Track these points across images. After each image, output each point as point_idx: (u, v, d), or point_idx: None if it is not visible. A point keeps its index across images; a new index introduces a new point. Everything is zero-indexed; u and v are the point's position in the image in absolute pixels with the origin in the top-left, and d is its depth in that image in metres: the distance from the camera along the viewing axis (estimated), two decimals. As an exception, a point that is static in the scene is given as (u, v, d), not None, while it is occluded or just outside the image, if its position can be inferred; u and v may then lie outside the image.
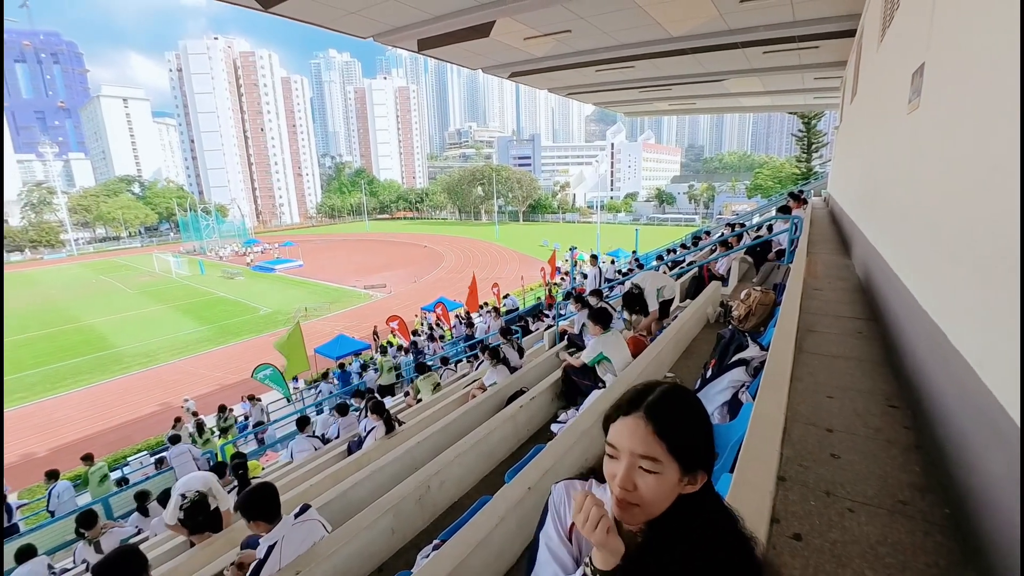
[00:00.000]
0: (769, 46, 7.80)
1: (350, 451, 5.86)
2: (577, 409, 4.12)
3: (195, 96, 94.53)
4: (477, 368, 8.63)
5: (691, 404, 0.90)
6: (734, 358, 2.93)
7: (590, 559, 0.92)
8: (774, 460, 1.75)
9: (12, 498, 10.19)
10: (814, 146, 35.58)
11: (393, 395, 12.43)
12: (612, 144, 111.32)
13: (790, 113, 40.62)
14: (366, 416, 5.74)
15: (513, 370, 5.86)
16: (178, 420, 11.64)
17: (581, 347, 5.31)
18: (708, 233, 15.98)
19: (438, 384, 8.10)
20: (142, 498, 6.91)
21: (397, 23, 6.56)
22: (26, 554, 5.24)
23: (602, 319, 4.31)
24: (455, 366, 11.28)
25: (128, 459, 12.90)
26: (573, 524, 1.04)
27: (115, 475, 10.57)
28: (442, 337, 17.13)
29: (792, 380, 2.41)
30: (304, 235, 76.38)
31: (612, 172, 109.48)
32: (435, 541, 2.45)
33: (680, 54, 8.19)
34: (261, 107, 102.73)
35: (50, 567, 5.80)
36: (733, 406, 2.65)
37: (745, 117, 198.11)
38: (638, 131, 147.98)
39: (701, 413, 0.90)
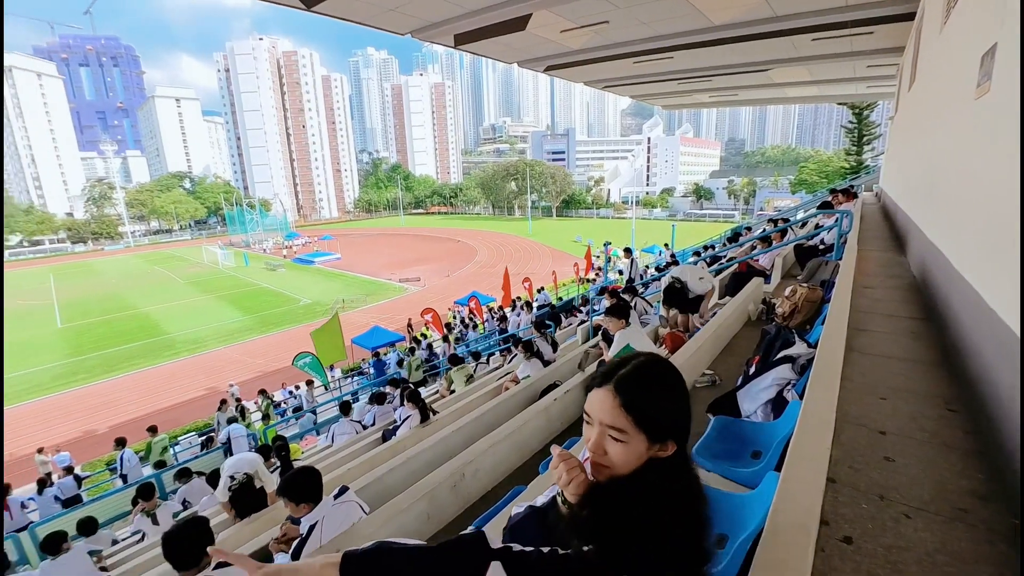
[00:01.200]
0: (818, 32, 7.43)
1: (385, 438, 6.01)
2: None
3: (241, 95, 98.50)
4: (510, 361, 8.67)
5: (663, 378, 0.95)
6: (779, 355, 2.83)
7: (561, 490, 1.01)
8: (824, 461, 1.68)
9: (77, 470, 10.99)
10: (865, 138, 33.74)
11: (426, 385, 12.65)
12: (648, 138, 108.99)
13: (839, 104, 38.60)
14: (402, 404, 5.87)
15: (547, 363, 5.86)
16: (223, 403, 12.26)
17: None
18: (749, 229, 15.44)
19: (471, 376, 8.19)
20: (185, 475, 7.30)
21: (434, 18, 6.62)
22: (87, 526, 5.64)
23: (620, 313, 4.26)
24: (487, 359, 11.38)
25: (178, 439, 13.66)
26: None
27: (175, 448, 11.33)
28: (458, 339, 17.34)
29: (842, 380, 2.31)
30: (342, 229, 78.55)
31: (648, 167, 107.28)
32: (470, 528, 2.49)
33: (722, 44, 7.91)
34: (303, 105, 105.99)
35: (114, 541, 6.24)
36: (778, 404, 2.57)
37: (790, 109, 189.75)
38: (676, 124, 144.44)
39: (673, 387, 0.95)
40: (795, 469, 1.59)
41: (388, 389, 8.51)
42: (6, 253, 67.15)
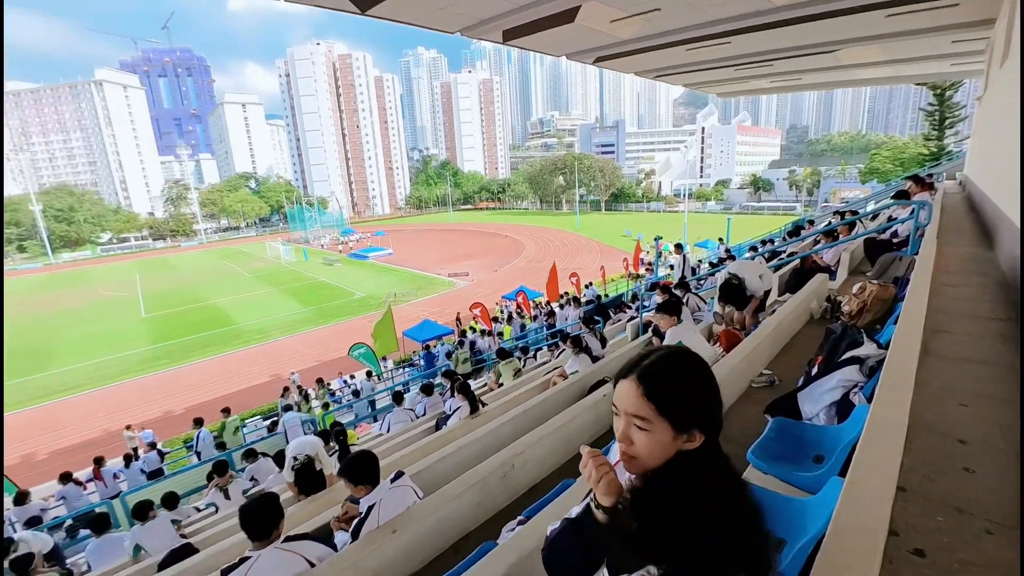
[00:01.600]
0: (894, 8, 6.84)
1: (437, 427, 6.20)
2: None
3: (300, 98, 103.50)
4: (558, 356, 8.67)
5: (685, 367, 0.98)
6: (845, 355, 2.68)
7: (594, 494, 1.04)
8: (894, 468, 1.59)
9: (159, 446, 12.11)
10: (948, 121, 30.75)
11: (473, 378, 12.88)
12: (703, 128, 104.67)
13: (917, 84, 35.41)
14: (452, 396, 6.03)
15: (595, 359, 5.82)
16: (286, 390, 13.03)
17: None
18: (811, 223, 14.50)
19: (519, 370, 8.26)
20: (252, 455, 7.84)
21: (483, 15, 6.67)
22: (169, 500, 6.19)
23: (671, 310, 4.15)
24: (535, 354, 11.43)
25: (246, 421, 14.67)
26: (613, 466, 1.17)
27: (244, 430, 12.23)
28: (500, 334, 17.48)
29: (917, 384, 2.16)
30: (393, 225, 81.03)
31: (702, 158, 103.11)
32: (519, 517, 2.54)
33: (784, 25, 7.45)
34: (356, 106, 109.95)
35: (196, 508, 6.83)
36: (843, 407, 2.44)
37: (859, 92, 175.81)
38: (732, 113, 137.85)
39: (698, 377, 0.97)
40: (862, 475, 1.52)
41: (441, 380, 8.75)
42: (98, 249, 74.34)
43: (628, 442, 0.98)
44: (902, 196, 7.78)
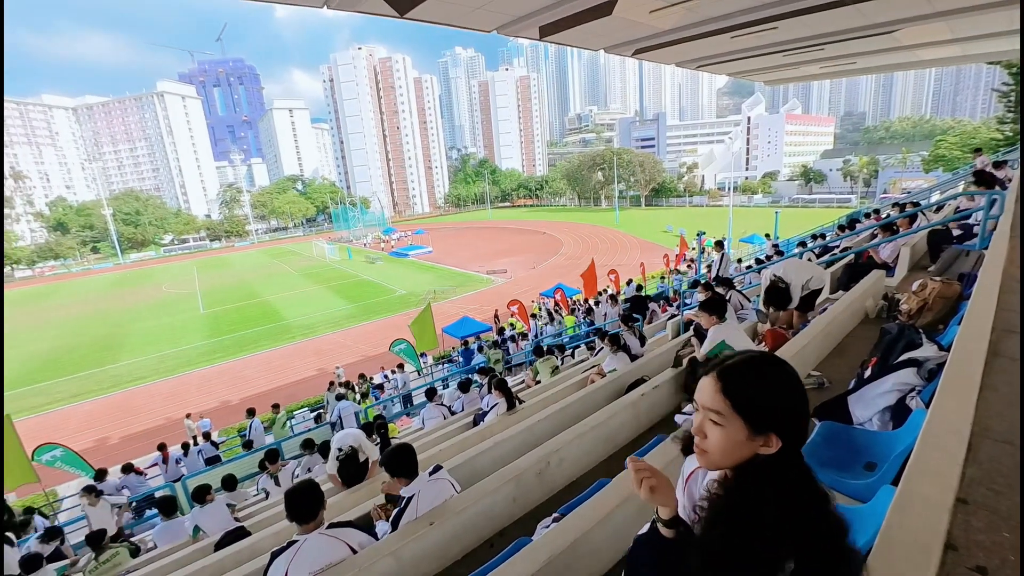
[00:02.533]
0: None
1: (475, 423, 6.28)
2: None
3: (343, 102, 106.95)
4: (596, 354, 8.59)
5: (768, 369, 0.97)
6: (902, 357, 2.52)
7: (656, 509, 1.09)
8: (954, 478, 1.49)
9: (214, 435, 12.86)
10: (1027, 102, 28.14)
11: (512, 375, 12.95)
12: (748, 118, 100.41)
13: (989, 64, 32.58)
14: (489, 392, 6.09)
15: (634, 358, 5.73)
16: (332, 384, 13.53)
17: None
18: (877, 212, 13.53)
19: (556, 368, 8.25)
20: (309, 445, 8.21)
21: (519, 12, 6.65)
22: (229, 482, 6.57)
23: (715, 309, 4.01)
24: (572, 352, 11.36)
25: (294, 413, 15.35)
26: (688, 477, 1.23)
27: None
28: (524, 336, 17.45)
29: (982, 389, 2.01)
30: (433, 223, 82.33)
31: (748, 149, 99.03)
32: (555, 514, 2.55)
33: (837, 6, 7.02)
34: (397, 107, 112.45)
35: (248, 497, 7.23)
36: (898, 412, 2.30)
37: (922, 74, 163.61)
38: (780, 101, 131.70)
39: (778, 378, 0.96)
40: (916, 484, 1.43)
41: (477, 377, 8.85)
42: (161, 250, 79.61)
43: (702, 435, 1.00)
44: (983, 183, 7.06)
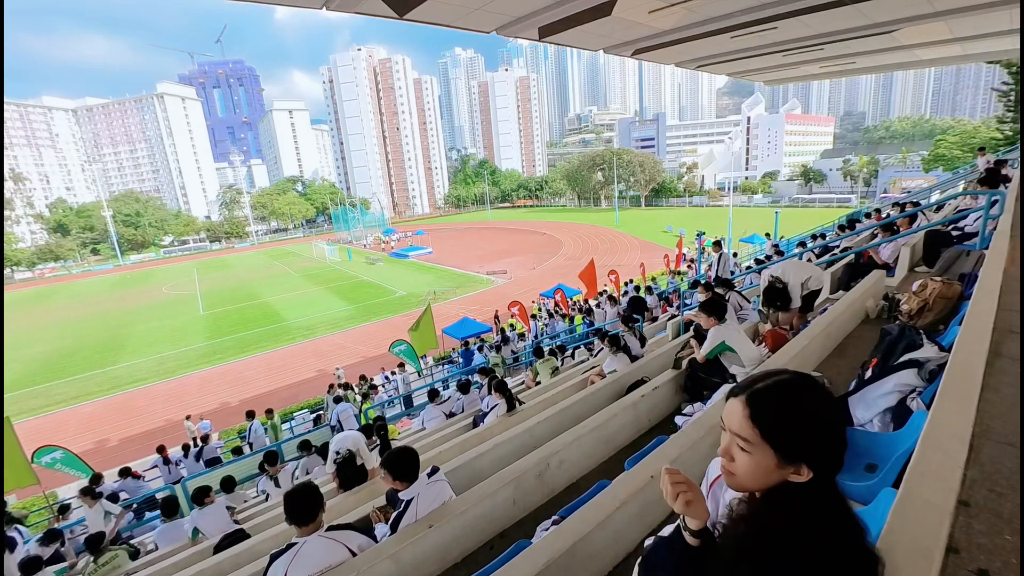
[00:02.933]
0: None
1: (475, 424, 6.27)
2: (704, 404, 3.89)
3: (343, 103, 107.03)
4: (596, 355, 8.58)
5: (803, 398, 0.92)
6: (903, 358, 2.51)
7: (683, 517, 1.08)
8: (955, 481, 1.48)
9: (214, 438, 12.84)
10: (1026, 102, 28.15)
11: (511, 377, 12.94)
12: (748, 118, 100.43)
13: (989, 63, 32.58)
14: (489, 393, 6.08)
15: (634, 359, 5.72)
16: (331, 387, 13.52)
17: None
18: (878, 211, 13.50)
19: (556, 368, 8.23)
20: (306, 447, 8.20)
21: (518, 13, 6.64)
22: (227, 483, 6.57)
23: (714, 310, 4.00)
24: (572, 353, 11.35)
25: (293, 415, 15.34)
26: (713, 482, 1.22)
27: (284, 427, 12.85)
28: (522, 335, 17.41)
29: (984, 390, 2.00)
30: (433, 224, 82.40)
31: (747, 149, 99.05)
32: (554, 516, 2.54)
33: (837, 6, 7.02)
34: (396, 108, 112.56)
35: (244, 500, 7.22)
36: (899, 413, 2.29)
37: (922, 73, 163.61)
38: (780, 101, 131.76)
39: (814, 410, 0.91)
40: (917, 487, 1.42)
41: (478, 377, 8.83)
42: (161, 251, 79.63)
43: (729, 458, 0.98)
44: (990, 182, 7.02)
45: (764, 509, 0.94)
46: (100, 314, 37.59)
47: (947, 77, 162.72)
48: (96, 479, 8.22)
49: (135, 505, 8.69)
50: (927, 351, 2.51)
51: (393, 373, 15.53)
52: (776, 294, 4.78)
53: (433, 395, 8.26)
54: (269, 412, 11.81)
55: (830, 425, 0.91)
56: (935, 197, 14.63)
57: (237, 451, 10.22)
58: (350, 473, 4.74)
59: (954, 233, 6.06)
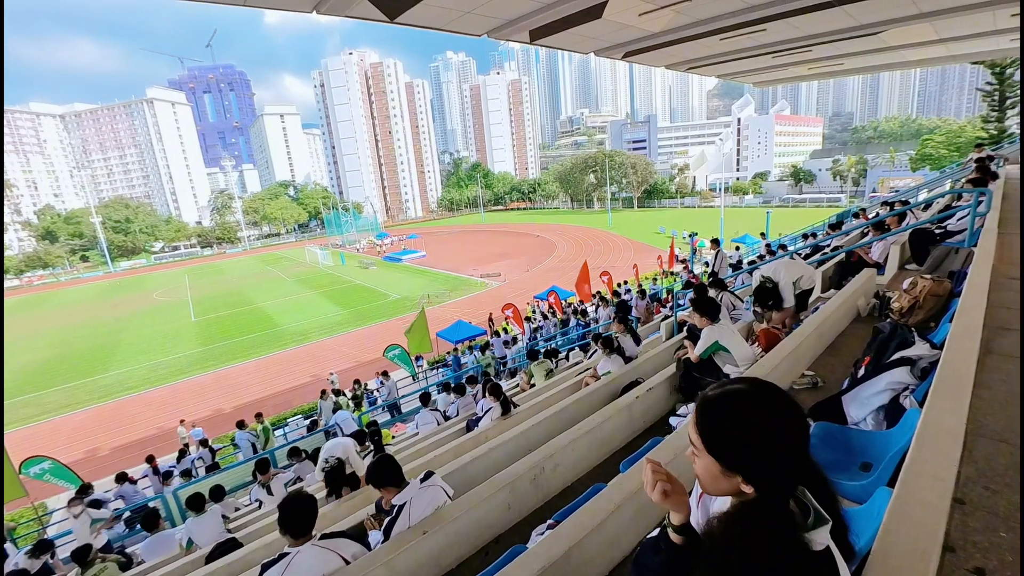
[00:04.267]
0: (948, -17, 6.42)
1: (468, 428, 6.23)
2: (697, 404, 3.89)
3: (335, 107, 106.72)
4: (590, 357, 8.57)
5: (745, 411, 0.90)
6: (895, 356, 2.52)
7: (668, 515, 1.10)
8: (950, 478, 1.48)
9: (211, 442, 12.71)
10: (1009, 101, 28.65)
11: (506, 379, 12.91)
12: (738, 119, 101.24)
13: (974, 64, 33.12)
14: (484, 397, 6.05)
15: (628, 360, 5.72)
16: (324, 392, 13.41)
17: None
18: (863, 212, 13.68)
19: (551, 371, 8.22)
20: (296, 453, 8.12)
21: (509, 16, 6.65)
22: (216, 493, 6.47)
23: (708, 310, 4.01)
24: (567, 355, 11.34)
25: (287, 420, 15.20)
26: (702, 493, 1.20)
27: (277, 433, 12.74)
28: (515, 339, 17.45)
29: (976, 387, 2.01)
30: (426, 227, 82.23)
31: (738, 150, 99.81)
32: (549, 521, 2.52)
33: (824, 8, 7.09)
34: (388, 112, 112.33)
35: (236, 508, 7.13)
36: (892, 411, 2.29)
37: (908, 74, 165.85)
38: (770, 102, 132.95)
39: (753, 425, 0.89)
40: (912, 486, 1.42)
41: (467, 385, 8.80)
42: (152, 257, 78.87)
43: (692, 459, 1.01)
44: (980, 181, 7.09)
45: (724, 517, 0.96)
46: (90, 321, 37.13)
47: (933, 78, 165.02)
48: (84, 490, 8.09)
49: (128, 513, 8.57)
50: (919, 349, 2.52)
51: (387, 377, 15.44)
52: (767, 293, 4.80)
53: (426, 399, 8.20)
54: (259, 416, 11.67)
55: (768, 441, 0.88)
56: (923, 196, 14.79)
57: (214, 467, 10.08)
58: (338, 482, 4.69)
59: (937, 232, 6.12)
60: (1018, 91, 28.34)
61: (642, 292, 16.07)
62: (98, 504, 7.85)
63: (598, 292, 18.74)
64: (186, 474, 9.15)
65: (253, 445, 10.89)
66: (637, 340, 6.29)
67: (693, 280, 10.31)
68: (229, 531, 5.32)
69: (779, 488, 0.90)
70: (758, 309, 5.21)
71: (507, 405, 5.62)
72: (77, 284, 62.44)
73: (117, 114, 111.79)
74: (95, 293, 51.88)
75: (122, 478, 9.17)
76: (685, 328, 5.82)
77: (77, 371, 25.16)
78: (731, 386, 0.97)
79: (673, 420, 4.04)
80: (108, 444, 16.88)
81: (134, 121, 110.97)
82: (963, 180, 9.94)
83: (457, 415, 7.88)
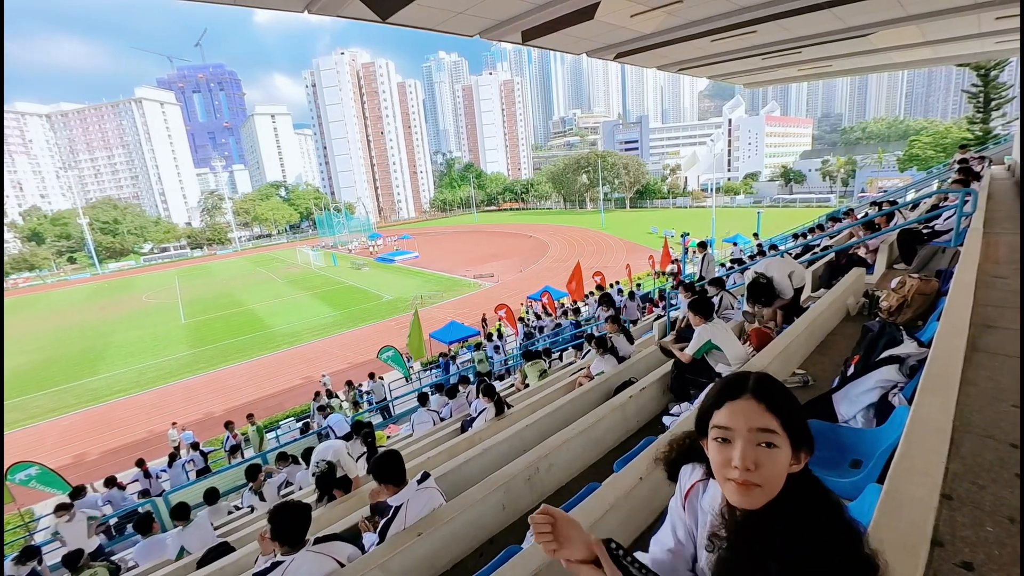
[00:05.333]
0: (933, -14, 6.52)
1: (463, 429, 6.22)
2: (691, 403, 3.92)
3: (326, 107, 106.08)
4: (583, 357, 8.60)
5: (784, 385, 0.96)
6: (884, 354, 2.55)
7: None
8: (937, 474, 1.50)
9: (201, 445, 12.59)
10: (994, 103, 29.16)
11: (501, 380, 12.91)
12: (729, 120, 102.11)
13: (959, 65, 33.65)
14: (477, 398, 6.05)
15: (621, 359, 5.74)
16: (317, 394, 13.34)
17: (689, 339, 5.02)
18: (850, 212, 13.87)
19: (545, 371, 8.22)
20: (283, 458, 8.05)
21: (501, 17, 6.66)
22: (211, 495, 6.42)
23: (702, 309, 4.05)
24: (560, 355, 11.36)
25: (280, 423, 15.08)
26: (688, 492, 1.15)
27: (270, 435, 12.64)
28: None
29: (963, 384, 2.04)
30: (419, 228, 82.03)
31: (729, 151, 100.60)
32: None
33: (814, 10, 7.17)
34: (380, 112, 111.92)
35: (236, 507, 7.07)
36: (882, 409, 2.32)
37: (896, 76, 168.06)
38: (760, 103, 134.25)
39: (794, 397, 0.96)
40: (901, 482, 1.44)
41: (459, 387, 8.80)
42: (141, 259, 77.95)
43: (753, 467, 0.89)
44: (963, 182, 7.23)
45: (777, 506, 0.90)
46: (77, 324, 36.61)
47: (919, 79, 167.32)
48: (77, 493, 7.97)
49: (116, 520, 8.45)
50: (907, 347, 2.55)
51: (381, 378, 15.37)
52: (761, 290, 4.85)
53: (423, 399, 8.23)
54: (250, 418, 11.59)
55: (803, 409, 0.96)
56: (911, 196, 15.00)
57: (206, 471, 9.98)
58: (329, 485, 4.67)
59: (925, 232, 6.21)
60: (1002, 93, 28.85)
61: (631, 294, 16.15)
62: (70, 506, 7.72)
63: (591, 292, 18.80)
64: (145, 494, 8.88)
65: (235, 448, 10.82)
66: (630, 340, 6.31)
67: (677, 283, 10.45)
68: (220, 536, 5.27)
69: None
70: (749, 309, 5.26)
71: (501, 406, 5.62)
72: (64, 286, 61.55)
73: (105, 114, 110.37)
74: (82, 295, 51.16)
75: (111, 482, 9.04)
76: (675, 328, 5.86)
77: (64, 374, 24.81)
78: (751, 376, 0.96)
79: (666, 419, 4.06)
80: (97, 448, 16.66)
81: (122, 121, 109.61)
82: (949, 180, 10.08)
83: (451, 416, 7.87)
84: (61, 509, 6.62)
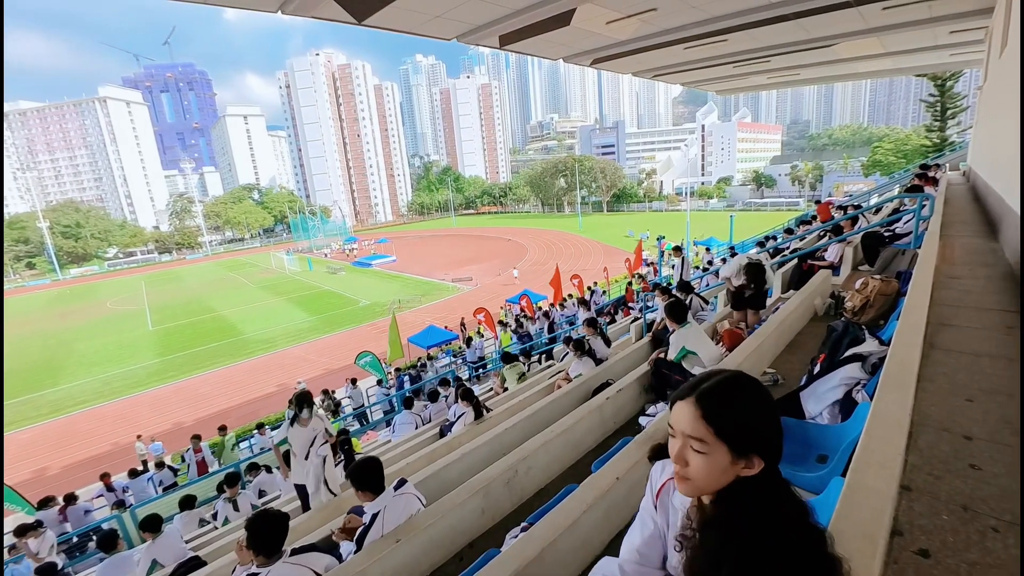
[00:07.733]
0: (891, 0, 6.83)
1: (442, 434, 6.19)
2: (667, 403, 3.99)
3: (301, 109, 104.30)
4: (562, 359, 8.65)
5: (747, 392, 0.95)
6: (847, 353, 2.66)
7: None
8: (896, 467, 1.57)
9: (167, 460, 12.12)
10: (950, 112, 30.63)
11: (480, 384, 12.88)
12: (703, 126, 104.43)
13: (917, 76, 35.35)
14: (456, 402, 6.02)
15: (599, 362, 5.80)
16: (291, 402, 13.04)
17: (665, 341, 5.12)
18: (815, 218, 14.41)
19: (523, 374, 8.25)
20: (254, 468, 7.85)
21: (478, 21, 6.69)
22: (187, 502, 6.22)
23: (676, 313, 4.14)
24: (539, 358, 11.40)
25: (253, 433, 14.68)
26: (660, 490, 1.19)
27: (243, 444, 12.28)
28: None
29: (920, 380, 2.14)
30: (397, 232, 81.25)
31: (703, 156, 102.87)
32: (523, 524, 2.53)
33: (781, 21, 7.44)
34: (357, 114, 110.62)
35: (202, 521, 6.86)
36: (846, 405, 2.41)
37: (859, 85, 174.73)
38: (732, 110, 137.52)
39: (758, 402, 0.95)
40: (862, 475, 1.50)
41: (440, 388, 8.76)
42: (105, 264, 75.02)
43: (683, 463, 0.96)
44: (916, 190, 7.66)
45: (726, 509, 0.95)
46: (36, 333, 34.95)
47: (882, 89, 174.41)
48: (43, 504, 7.59)
49: (75, 539, 8.08)
50: (869, 345, 2.66)
51: (356, 384, 15.14)
52: (758, 270, 4.99)
53: (409, 403, 8.21)
54: (222, 429, 11.28)
55: (773, 414, 0.95)
56: (874, 200, 15.61)
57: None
58: (306, 493, 4.60)
59: (886, 234, 6.48)
60: (957, 103, 30.33)
61: (584, 303, 16.22)
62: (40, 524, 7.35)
63: (570, 295, 18.93)
64: (120, 505, 8.32)
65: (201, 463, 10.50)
66: (607, 342, 6.39)
67: (646, 287, 10.67)
68: (192, 549, 5.11)
69: (780, 456, 0.95)
70: (745, 283, 5.32)
71: (479, 409, 5.62)
72: (22, 292, 58.73)
73: (67, 113, 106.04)
74: (42, 302, 48.92)
75: (71, 499, 8.59)
76: (651, 331, 5.96)
77: (23, 386, 23.64)
78: (717, 377, 0.98)
79: (643, 420, 4.13)
80: (58, 463, 15.92)
81: (85, 121, 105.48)
82: (908, 184, 10.53)
83: (430, 421, 7.82)
84: (28, 530, 6.24)
